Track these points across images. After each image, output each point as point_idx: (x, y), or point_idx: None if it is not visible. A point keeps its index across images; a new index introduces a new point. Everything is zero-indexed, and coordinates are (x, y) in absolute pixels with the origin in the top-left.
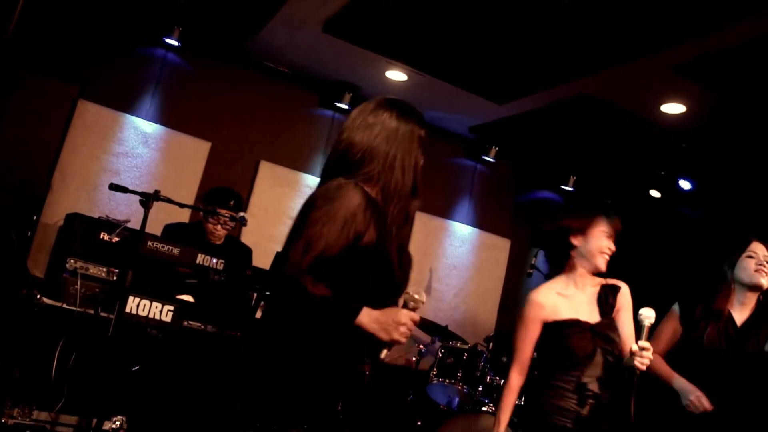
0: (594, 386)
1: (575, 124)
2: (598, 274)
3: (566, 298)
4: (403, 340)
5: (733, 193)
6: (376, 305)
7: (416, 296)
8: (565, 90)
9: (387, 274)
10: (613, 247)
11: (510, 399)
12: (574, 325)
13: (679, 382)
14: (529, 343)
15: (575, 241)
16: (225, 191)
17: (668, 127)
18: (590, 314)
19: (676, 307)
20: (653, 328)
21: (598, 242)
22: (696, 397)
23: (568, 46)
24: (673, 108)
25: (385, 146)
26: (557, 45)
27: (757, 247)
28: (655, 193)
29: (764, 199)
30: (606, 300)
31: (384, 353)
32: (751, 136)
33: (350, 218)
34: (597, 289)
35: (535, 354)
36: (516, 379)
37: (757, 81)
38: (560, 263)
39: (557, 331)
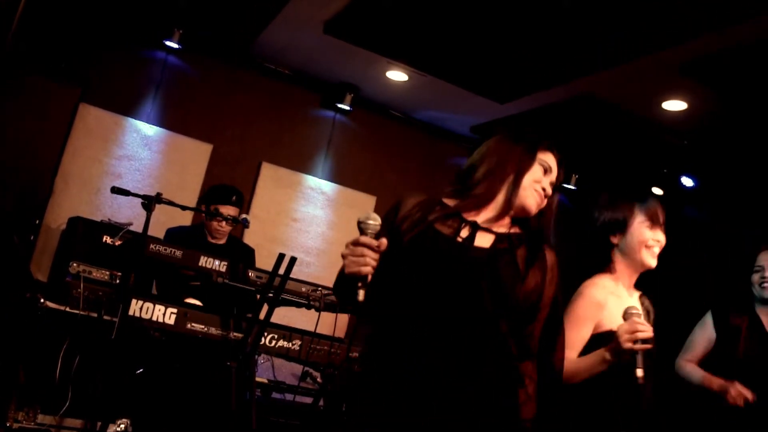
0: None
1: (577, 122)
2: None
3: (619, 300)
4: (354, 267)
5: (736, 190)
6: (413, 300)
7: (363, 221)
8: (566, 89)
9: (418, 268)
10: (659, 237)
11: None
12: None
13: (717, 382)
14: (581, 344)
15: (614, 239)
16: (225, 188)
17: (670, 124)
18: None
19: (709, 316)
20: (684, 333)
21: (640, 234)
22: (734, 390)
23: (570, 45)
24: (674, 105)
25: (477, 165)
26: (558, 44)
27: (764, 259)
28: (657, 191)
29: (766, 195)
30: (648, 310)
31: (361, 294)
32: (753, 132)
33: (388, 217)
34: (638, 296)
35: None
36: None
37: (758, 78)
38: (603, 265)
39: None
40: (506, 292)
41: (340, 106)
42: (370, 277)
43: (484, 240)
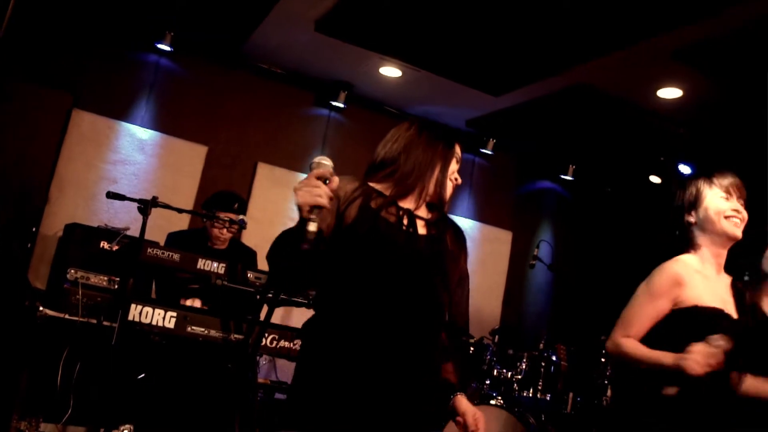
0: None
1: (573, 113)
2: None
3: (705, 279)
4: (308, 197)
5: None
6: (372, 286)
7: (316, 161)
8: (561, 79)
9: (375, 256)
10: (739, 207)
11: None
12: (719, 316)
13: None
14: (648, 320)
15: (691, 218)
16: (228, 195)
17: (666, 112)
18: (729, 306)
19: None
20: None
21: (717, 205)
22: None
23: (562, 35)
24: (669, 93)
25: (403, 154)
26: (551, 34)
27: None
28: (655, 179)
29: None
30: (742, 296)
31: (311, 226)
32: (750, 117)
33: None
34: (729, 281)
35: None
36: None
37: (752, 62)
38: (685, 249)
39: (696, 320)
40: (449, 277)
41: (334, 103)
42: (320, 214)
43: (419, 227)
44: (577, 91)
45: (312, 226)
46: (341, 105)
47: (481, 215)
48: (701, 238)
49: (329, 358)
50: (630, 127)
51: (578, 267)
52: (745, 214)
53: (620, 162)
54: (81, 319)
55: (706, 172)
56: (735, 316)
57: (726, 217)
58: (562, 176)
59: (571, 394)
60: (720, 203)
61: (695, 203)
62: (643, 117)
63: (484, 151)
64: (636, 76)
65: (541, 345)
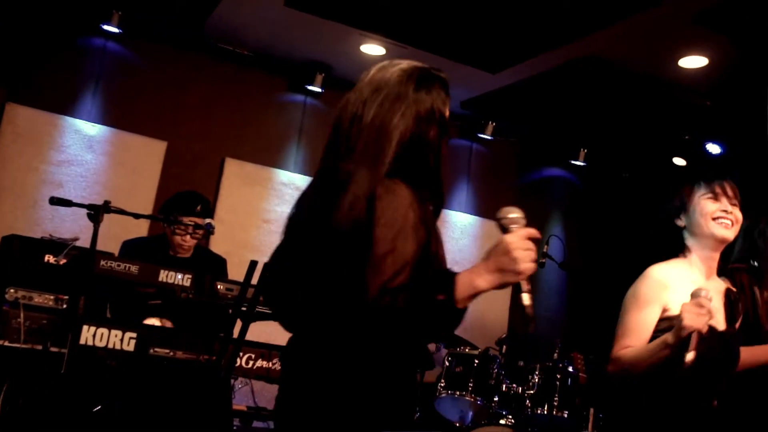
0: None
1: (582, 89)
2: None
3: (693, 285)
4: (530, 265)
5: None
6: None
7: (510, 215)
8: (567, 51)
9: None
10: (728, 208)
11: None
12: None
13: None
14: (645, 329)
15: (680, 222)
16: (190, 196)
17: (689, 83)
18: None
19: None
20: None
21: (702, 207)
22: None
23: (567, 1)
24: (692, 62)
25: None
26: (555, 1)
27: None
28: (679, 161)
29: None
30: (734, 304)
31: (527, 298)
32: None
33: (417, 223)
34: (722, 287)
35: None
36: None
37: None
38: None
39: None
40: None
41: (310, 88)
42: None
43: None
44: (586, 64)
45: (528, 299)
46: (318, 89)
47: (480, 209)
48: (691, 243)
49: (393, 371)
50: (649, 103)
51: (594, 264)
52: (737, 216)
53: (639, 143)
54: (23, 346)
55: (693, 174)
56: (722, 323)
57: (714, 219)
58: (572, 162)
59: (591, 410)
60: (707, 205)
61: (683, 206)
62: (663, 90)
63: (482, 135)
64: (653, 44)
65: (556, 355)
